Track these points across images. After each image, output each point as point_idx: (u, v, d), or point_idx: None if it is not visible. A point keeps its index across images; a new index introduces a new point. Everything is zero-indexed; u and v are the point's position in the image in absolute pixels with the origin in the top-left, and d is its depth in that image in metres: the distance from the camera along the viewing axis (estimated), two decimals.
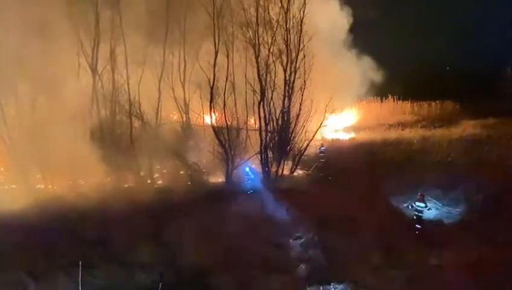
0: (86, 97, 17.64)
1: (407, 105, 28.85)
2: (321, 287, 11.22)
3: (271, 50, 18.21)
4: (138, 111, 18.15)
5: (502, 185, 14.71)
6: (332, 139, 24.08)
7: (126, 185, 18.13)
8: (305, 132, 19.39)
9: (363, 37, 26.23)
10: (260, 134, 18.83)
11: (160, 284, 10.33)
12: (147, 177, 18.76)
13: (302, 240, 13.62)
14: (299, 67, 18.55)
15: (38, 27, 15.49)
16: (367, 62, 26.50)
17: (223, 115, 18.18)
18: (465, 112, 25.36)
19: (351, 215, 14.24)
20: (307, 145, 19.61)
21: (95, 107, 18.04)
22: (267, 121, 18.78)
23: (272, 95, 18.64)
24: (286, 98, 18.82)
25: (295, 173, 19.91)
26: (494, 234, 12.37)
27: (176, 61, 18.42)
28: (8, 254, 11.82)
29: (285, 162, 19.51)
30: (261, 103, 18.54)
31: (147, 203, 15.64)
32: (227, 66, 17.87)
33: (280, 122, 19.10)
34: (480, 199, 14.73)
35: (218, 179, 19.23)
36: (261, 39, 18.14)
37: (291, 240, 13.78)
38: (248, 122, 19.36)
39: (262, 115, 18.64)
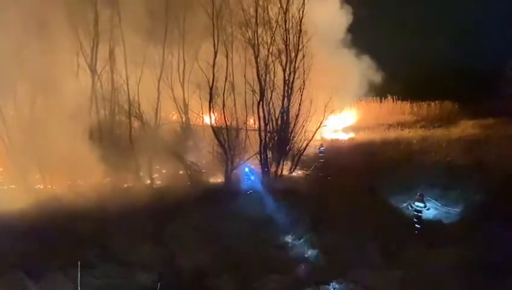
0: (85, 97, 17.56)
1: (406, 105, 28.72)
2: (321, 287, 11.24)
3: (270, 50, 18.15)
4: (137, 111, 18.08)
5: (501, 185, 14.70)
6: (332, 139, 24.02)
7: (125, 185, 18.06)
8: (305, 132, 19.35)
9: (362, 37, 26.16)
10: (259, 134, 18.80)
11: (159, 284, 10.31)
12: (146, 178, 18.70)
13: (302, 240, 13.64)
14: (298, 68, 18.50)
15: (38, 27, 15.47)
16: (366, 62, 26.41)
17: (223, 115, 18.12)
18: (464, 112, 25.31)
19: (351, 215, 14.25)
20: (306, 145, 19.57)
21: (94, 107, 17.96)
22: (266, 121, 18.74)
23: (271, 95, 18.60)
24: (285, 98, 18.76)
25: (294, 173, 19.86)
26: (494, 233, 12.37)
27: (175, 61, 18.34)
28: (7, 254, 11.79)
29: (285, 162, 19.46)
30: (261, 103, 18.49)
31: (146, 203, 15.61)
32: (227, 66, 17.84)
33: (279, 122, 19.06)
34: (480, 199, 14.73)
35: (217, 179, 19.18)
36: (260, 39, 18.10)
37: (290, 240, 13.81)
38: (247, 123, 19.30)
39: (261, 115, 18.60)
